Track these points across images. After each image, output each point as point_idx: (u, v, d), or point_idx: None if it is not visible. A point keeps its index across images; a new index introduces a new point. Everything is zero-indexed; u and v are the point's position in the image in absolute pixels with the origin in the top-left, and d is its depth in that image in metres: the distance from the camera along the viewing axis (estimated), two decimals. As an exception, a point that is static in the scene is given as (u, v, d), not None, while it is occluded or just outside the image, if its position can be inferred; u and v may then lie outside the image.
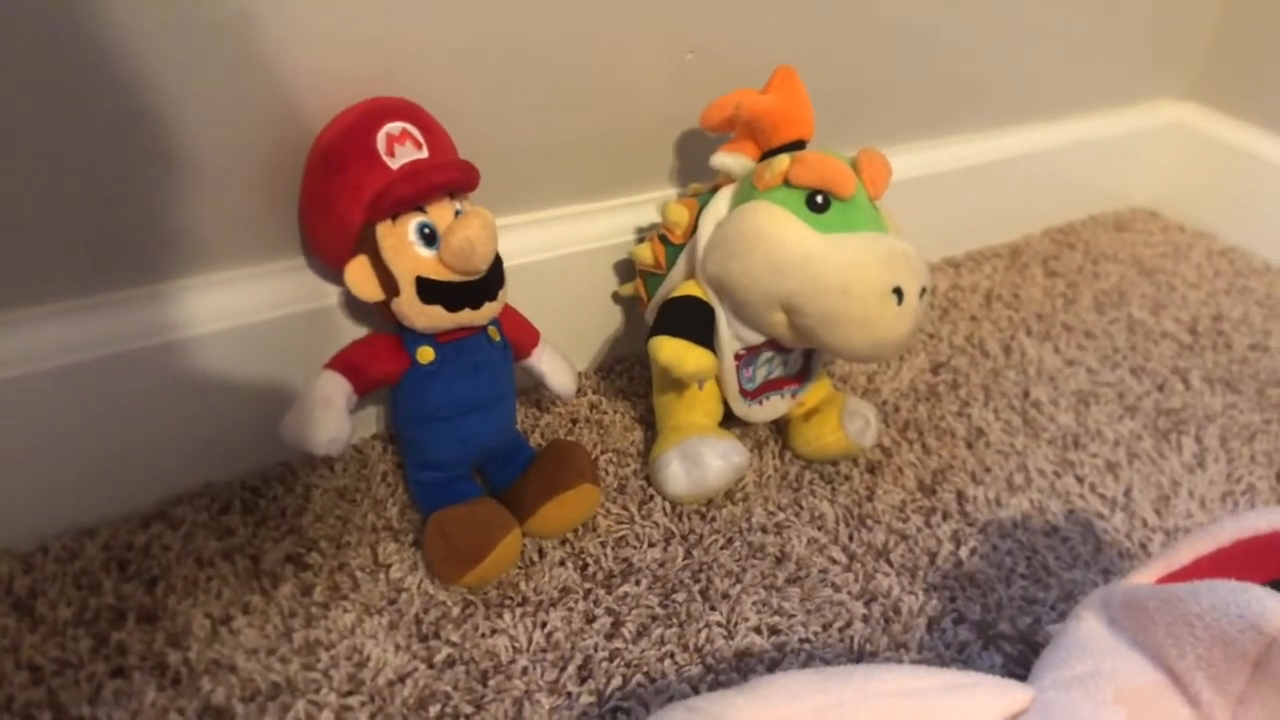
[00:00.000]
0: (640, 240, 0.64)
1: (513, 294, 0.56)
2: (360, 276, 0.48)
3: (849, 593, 0.54)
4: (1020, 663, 0.51)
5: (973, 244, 0.93)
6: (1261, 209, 0.99)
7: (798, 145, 0.57)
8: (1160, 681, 0.39)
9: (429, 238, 0.47)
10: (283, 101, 0.47)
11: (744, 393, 0.60)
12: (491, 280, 0.49)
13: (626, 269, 0.65)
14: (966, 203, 0.89)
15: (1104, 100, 0.97)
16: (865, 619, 0.52)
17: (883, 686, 0.42)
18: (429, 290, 0.47)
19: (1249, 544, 0.43)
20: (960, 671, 0.43)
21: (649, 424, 0.64)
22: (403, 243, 0.47)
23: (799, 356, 0.62)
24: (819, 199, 0.53)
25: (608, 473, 0.60)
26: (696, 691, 0.47)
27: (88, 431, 0.49)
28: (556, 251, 0.62)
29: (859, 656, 0.50)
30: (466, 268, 0.47)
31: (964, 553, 0.57)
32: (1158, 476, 0.66)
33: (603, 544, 0.55)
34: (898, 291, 0.51)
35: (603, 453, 0.61)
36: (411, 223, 0.47)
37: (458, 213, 0.48)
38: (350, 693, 0.45)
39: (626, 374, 0.69)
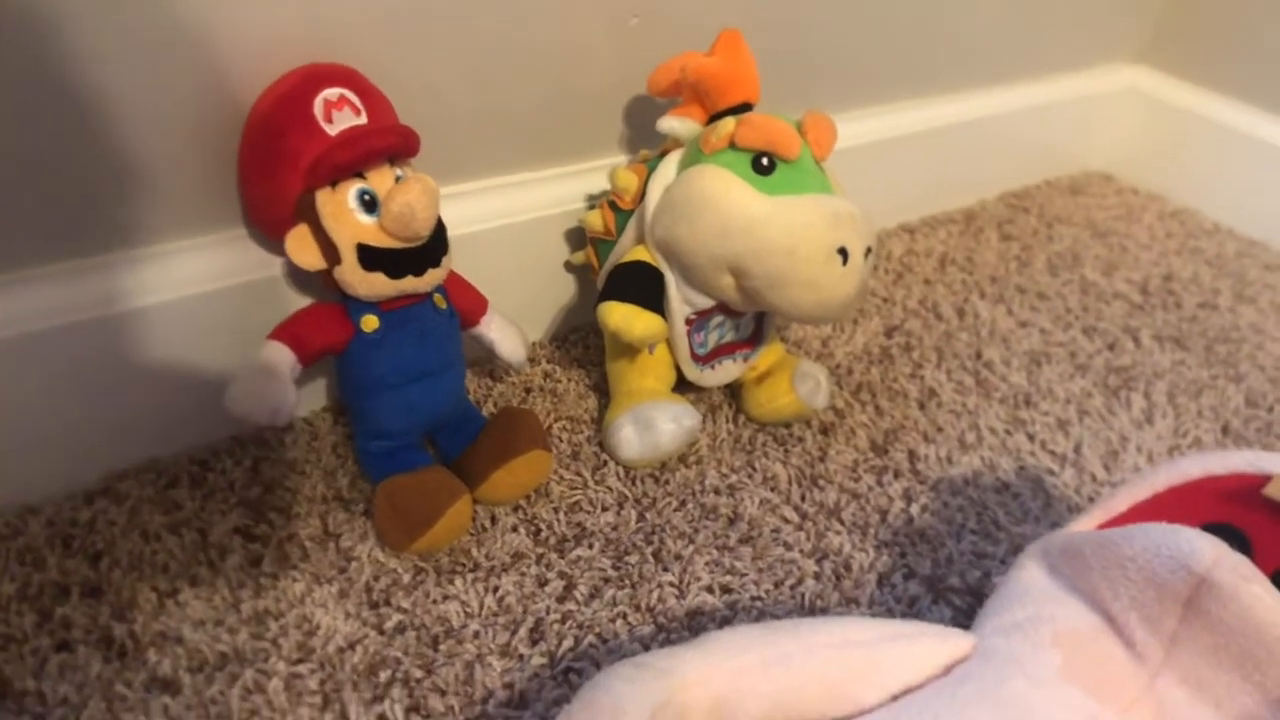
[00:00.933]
0: (591, 207, 0.64)
1: (463, 263, 0.55)
2: (301, 245, 0.47)
3: (800, 551, 0.54)
4: (970, 615, 0.52)
5: (928, 209, 0.94)
6: (1213, 171, 1.00)
7: (744, 108, 0.57)
8: (1096, 624, 0.40)
9: (369, 204, 0.47)
10: (218, 68, 0.46)
11: (696, 357, 0.60)
12: (434, 247, 0.49)
13: (578, 237, 0.65)
14: (921, 168, 0.89)
15: (1058, 64, 0.97)
16: (817, 576, 0.53)
17: (829, 638, 0.42)
18: (370, 257, 0.47)
19: (1182, 489, 0.43)
20: (904, 621, 0.44)
21: (603, 392, 0.64)
22: (343, 210, 0.46)
23: (750, 321, 0.62)
24: (764, 161, 0.53)
25: (561, 440, 0.60)
26: (648, 649, 0.47)
27: (29, 407, 0.48)
28: (506, 220, 0.61)
29: (810, 612, 0.51)
30: (407, 234, 0.46)
31: (915, 510, 0.58)
32: (1107, 433, 0.67)
33: (555, 509, 0.55)
34: (843, 252, 0.52)
35: (556, 420, 0.61)
36: (351, 189, 0.47)
37: (398, 179, 0.48)
38: (300, 660, 0.45)
39: (581, 343, 0.69)
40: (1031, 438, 0.66)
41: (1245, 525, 0.40)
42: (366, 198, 0.47)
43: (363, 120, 0.47)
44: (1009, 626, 0.42)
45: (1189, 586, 0.36)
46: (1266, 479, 0.40)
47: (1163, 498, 0.44)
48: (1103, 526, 0.44)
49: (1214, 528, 0.39)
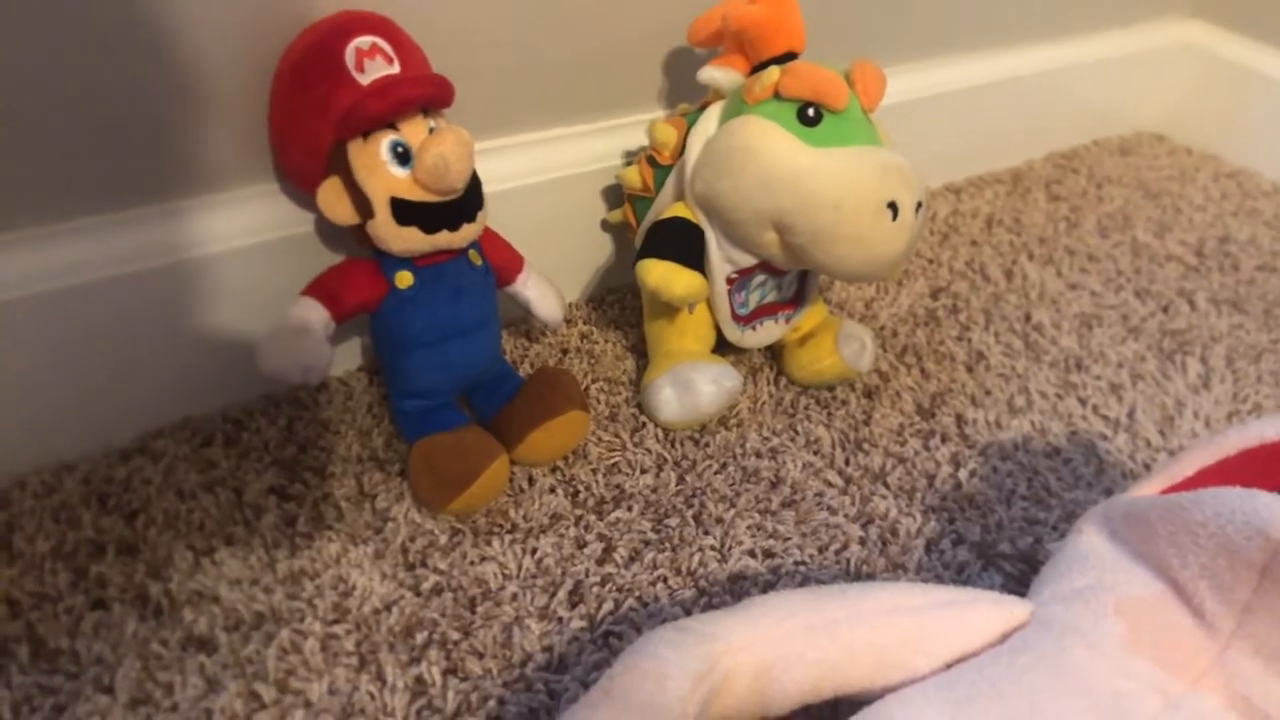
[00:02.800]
0: (629, 163, 0.62)
1: (498, 221, 0.54)
2: (333, 199, 0.46)
3: (845, 515, 0.53)
4: (1021, 582, 0.50)
5: (974, 169, 0.91)
6: (1271, 130, 0.96)
7: (788, 58, 0.54)
8: (1162, 592, 0.38)
9: (402, 157, 0.45)
10: (248, 16, 0.45)
11: (737, 318, 0.58)
12: (469, 201, 0.47)
13: (615, 194, 0.64)
14: (968, 126, 0.86)
15: (1109, 19, 0.94)
16: (862, 541, 0.51)
17: (877, 604, 0.41)
18: (404, 211, 0.46)
19: (1255, 453, 0.41)
20: (957, 588, 0.43)
21: (641, 353, 0.62)
22: (375, 162, 0.45)
23: (793, 280, 0.61)
24: (810, 112, 0.51)
25: (599, 401, 0.58)
26: (689, 614, 0.46)
27: (64, 364, 0.48)
28: (542, 176, 0.60)
29: (855, 578, 0.50)
30: (442, 186, 0.45)
31: (963, 475, 0.56)
32: (1162, 397, 0.65)
33: (594, 471, 0.54)
34: (892, 206, 0.49)
35: (594, 382, 0.60)
36: (384, 141, 0.45)
37: (432, 130, 0.46)
38: (335, 621, 0.44)
39: (618, 304, 0.67)
40: (1083, 402, 0.64)
41: (1323, 490, 0.38)
42: (400, 149, 0.45)
43: (395, 70, 0.46)
44: (1068, 594, 0.40)
45: (1265, 554, 0.34)
46: (1346, 441, 0.38)
47: (1232, 462, 0.42)
48: (1168, 491, 0.42)
49: (1290, 493, 0.37)
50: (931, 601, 0.41)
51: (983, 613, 0.40)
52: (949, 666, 0.39)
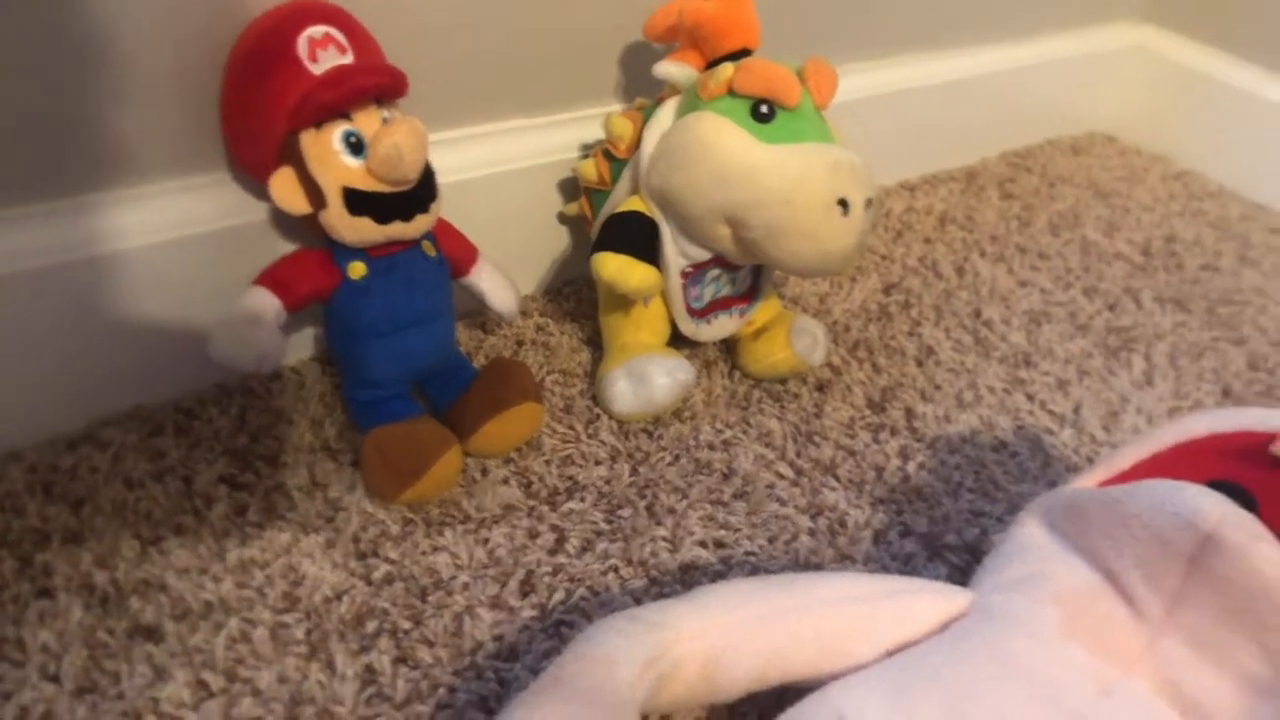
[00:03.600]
0: (585, 157, 0.62)
1: (454, 213, 0.54)
2: (286, 188, 0.46)
3: (795, 506, 0.53)
4: (966, 573, 0.51)
5: (928, 167, 0.92)
6: (1219, 132, 0.99)
7: (743, 54, 0.55)
8: (1097, 582, 0.40)
9: (356, 147, 0.45)
10: (200, 3, 0.45)
11: (691, 311, 0.59)
12: (422, 191, 0.47)
13: (572, 187, 0.64)
14: (922, 125, 0.87)
15: (1064, 22, 0.95)
16: (811, 532, 0.52)
17: (824, 594, 0.42)
18: (357, 201, 0.46)
19: (1186, 447, 0.43)
20: (902, 578, 0.43)
21: (596, 346, 0.63)
22: (328, 152, 0.45)
23: (747, 275, 0.61)
24: (763, 108, 0.52)
25: (554, 393, 0.59)
26: (640, 603, 0.46)
27: (10, 351, 0.47)
28: (498, 168, 0.60)
29: (804, 568, 0.50)
30: (395, 176, 0.45)
31: (911, 468, 0.57)
32: (1107, 393, 0.66)
33: (548, 462, 0.54)
34: (843, 202, 0.50)
35: (549, 374, 0.60)
36: (337, 131, 0.45)
37: (385, 120, 0.46)
38: (286, 610, 0.44)
39: (574, 296, 0.67)
40: (1030, 397, 0.65)
41: (1251, 483, 0.39)
42: (353, 140, 0.45)
43: (349, 59, 0.46)
44: (1008, 584, 0.41)
45: (1194, 544, 0.36)
46: (1273, 437, 0.39)
47: (1166, 456, 0.43)
48: (1105, 484, 0.44)
49: (1219, 485, 0.38)
50: (876, 591, 0.42)
51: (925, 602, 0.41)
52: (892, 654, 0.40)
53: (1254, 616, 0.35)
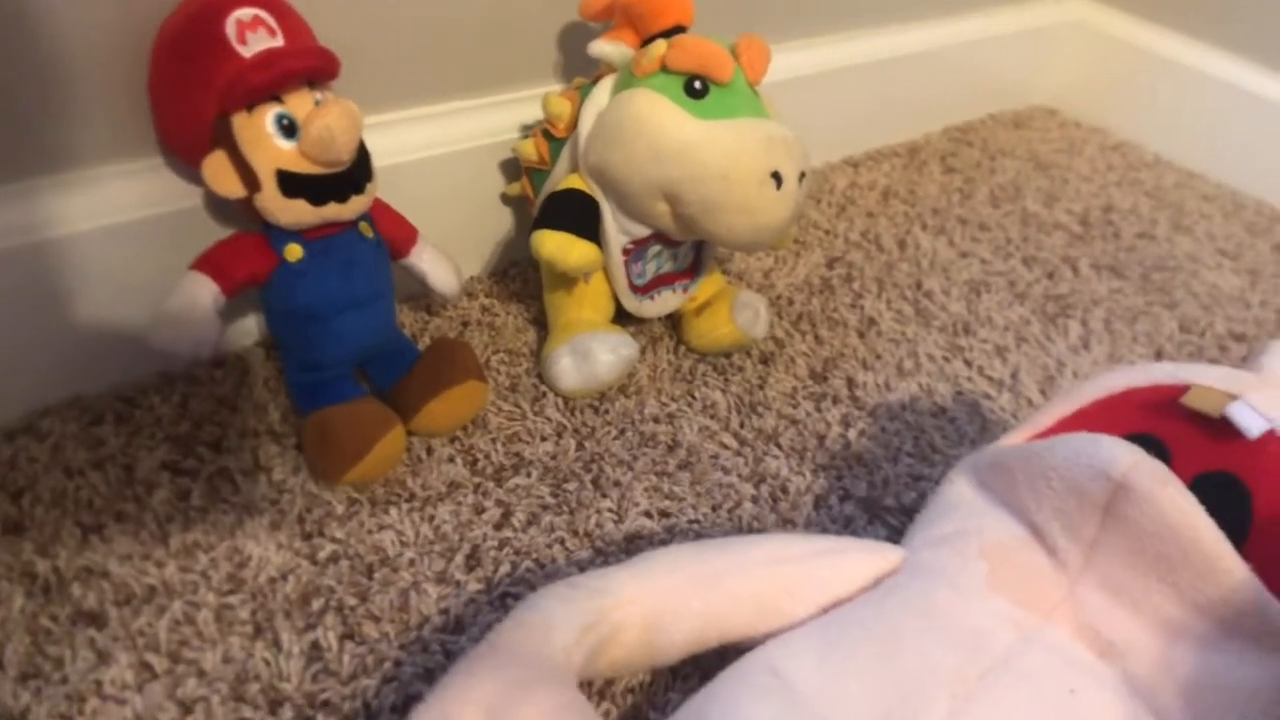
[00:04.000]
0: (525, 137, 0.62)
1: (396, 195, 0.54)
2: (219, 172, 0.46)
3: (738, 475, 0.54)
4: (904, 534, 0.53)
5: (872, 143, 0.93)
6: (1155, 104, 1.01)
7: (677, 32, 0.56)
8: (1022, 535, 0.41)
9: (288, 129, 0.45)
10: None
11: (634, 288, 0.60)
12: (357, 173, 0.48)
13: (514, 168, 0.64)
14: (865, 101, 0.89)
15: (1003, -4, 0.97)
16: (754, 499, 0.53)
17: (759, 555, 0.43)
18: (291, 184, 0.46)
19: (1106, 403, 0.44)
20: (834, 537, 0.45)
21: (542, 325, 0.63)
22: (260, 135, 0.45)
23: (689, 250, 0.62)
24: (697, 84, 0.52)
25: (500, 373, 0.59)
26: (585, 572, 0.47)
27: (-58, 344, 0.47)
28: (439, 149, 0.60)
29: (747, 534, 0.51)
30: (328, 158, 0.45)
31: (852, 434, 0.59)
32: (1044, 358, 0.68)
33: (493, 440, 0.54)
34: (776, 176, 0.51)
35: (495, 353, 0.61)
36: (269, 114, 0.45)
37: (317, 103, 0.46)
38: (230, 592, 0.44)
39: (520, 277, 0.68)
40: (969, 364, 0.66)
41: (1165, 434, 0.41)
42: (285, 122, 0.45)
43: (279, 42, 0.46)
44: (937, 540, 0.43)
45: (1107, 493, 0.37)
46: (1185, 389, 0.41)
47: (1087, 412, 0.45)
48: (1030, 441, 0.45)
49: (1135, 438, 0.39)
50: (809, 551, 0.43)
51: (856, 560, 0.42)
52: (826, 611, 0.41)
53: (1165, 560, 0.36)
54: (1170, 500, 0.36)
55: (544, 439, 0.55)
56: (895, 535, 0.52)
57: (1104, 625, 0.38)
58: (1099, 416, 0.44)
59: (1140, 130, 1.02)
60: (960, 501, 0.44)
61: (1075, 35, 1.05)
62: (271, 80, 0.44)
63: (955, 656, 0.37)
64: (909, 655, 0.37)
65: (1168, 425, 0.41)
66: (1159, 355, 0.70)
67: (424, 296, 0.64)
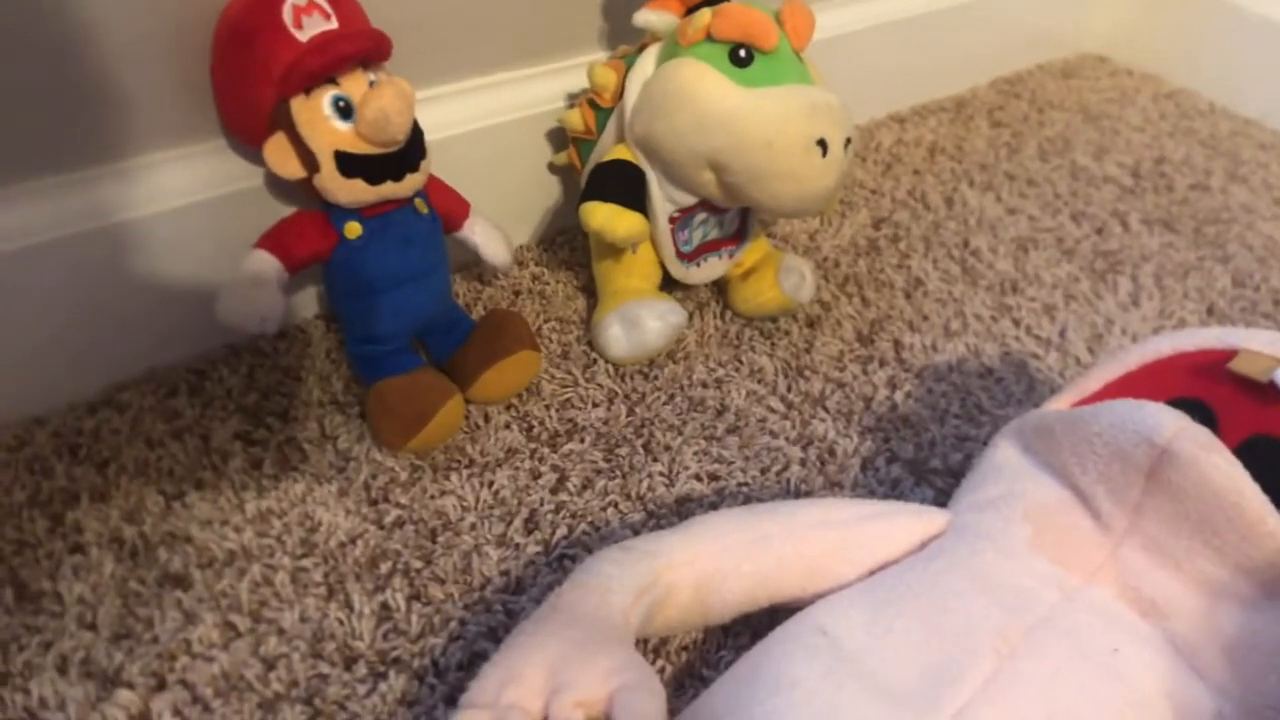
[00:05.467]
0: (570, 107, 0.63)
1: (445, 167, 0.55)
2: (279, 154, 0.47)
3: (786, 439, 0.56)
4: (951, 496, 0.53)
5: (918, 98, 0.92)
6: (1209, 50, 0.98)
7: (722, -1, 0.56)
8: (1066, 498, 0.42)
9: (344, 111, 0.47)
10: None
11: (681, 255, 0.61)
12: (411, 151, 0.49)
13: (560, 137, 0.65)
14: (911, 55, 0.88)
15: (1051, -57, 0.95)
16: (802, 462, 0.54)
17: (807, 518, 0.44)
18: (348, 164, 0.47)
19: (1153, 367, 0.44)
20: (881, 501, 0.46)
21: (591, 292, 0.64)
22: (318, 117, 0.47)
23: (734, 217, 0.63)
24: (742, 53, 0.53)
25: (551, 340, 0.61)
26: (638, 535, 0.49)
27: (28, 320, 0.49)
28: (486, 122, 0.61)
29: (795, 497, 0.53)
30: (383, 139, 0.47)
31: (899, 397, 0.59)
32: (1092, 316, 0.68)
33: (547, 407, 0.56)
34: (821, 143, 0.52)
35: (546, 321, 0.62)
36: (325, 96, 0.47)
37: (372, 84, 0.48)
38: (304, 555, 0.47)
39: (568, 245, 0.69)
40: (1017, 323, 0.67)
41: (1212, 399, 0.41)
42: (341, 104, 0.47)
43: (333, 25, 0.47)
44: (982, 503, 0.44)
45: (1151, 458, 0.38)
46: (1233, 354, 0.41)
47: (1134, 376, 0.45)
48: (1076, 405, 0.45)
49: (1181, 402, 0.40)
50: (856, 515, 0.44)
51: (903, 524, 0.44)
52: (873, 573, 0.42)
53: (1208, 523, 0.37)
54: (1214, 465, 0.36)
55: (595, 405, 0.57)
56: (941, 497, 0.53)
57: (1147, 586, 0.39)
58: (1146, 380, 0.44)
59: (1195, 77, 1.00)
60: (1005, 465, 0.45)
61: (1127, -21, 1.02)
62: (327, 64, 0.46)
63: (1000, 615, 0.38)
64: (954, 614, 0.38)
65: (1215, 389, 0.41)
66: (1210, 311, 0.69)
67: (476, 266, 0.65)
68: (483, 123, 0.61)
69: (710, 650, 0.45)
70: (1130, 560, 0.39)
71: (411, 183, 0.50)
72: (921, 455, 0.56)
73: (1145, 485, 0.38)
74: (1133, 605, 0.39)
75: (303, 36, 0.46)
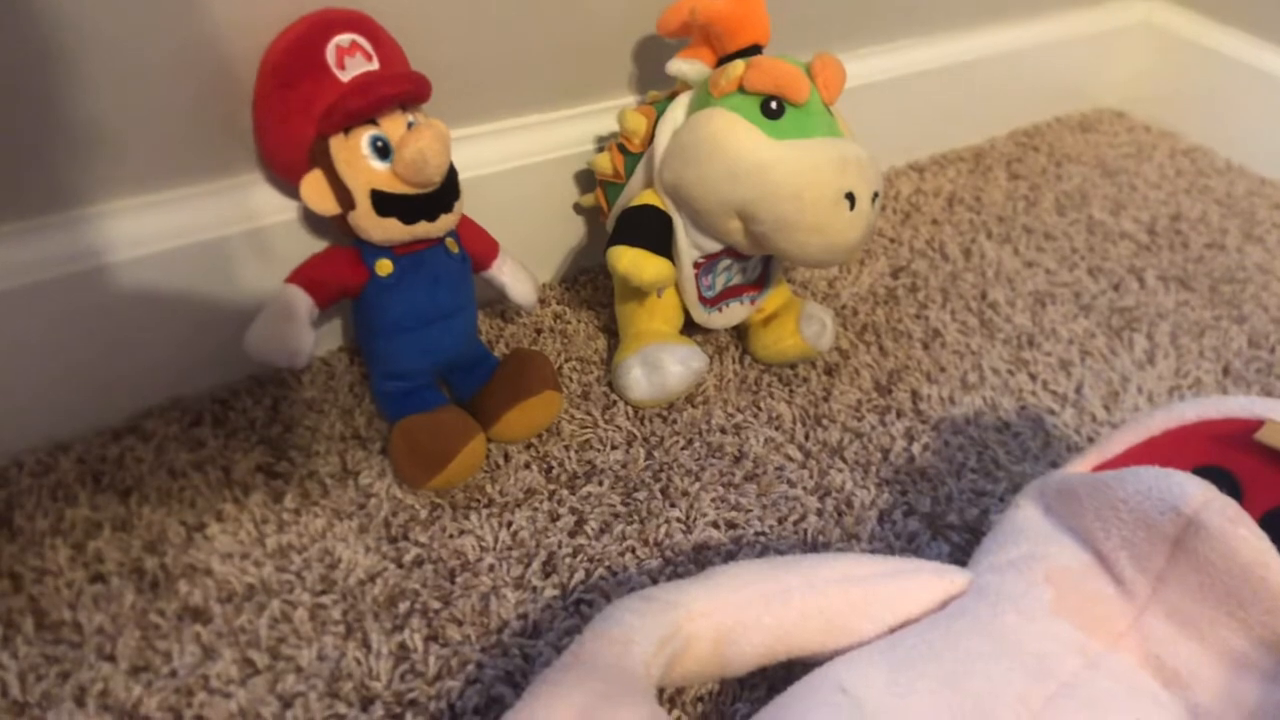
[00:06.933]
0: (599, 149, 0.64)
1: (472, 206, 0.56)
2: (316, 191, 0.48)
3: (804, 488, 0.56)
4: (967, 552, 0.53)
5: (937, 147, 0.93)
6: (1226, 108, 0.99)
7: (753, 50, 0.57)
8: (1088, 562, 0.42)
9: (382, 151, 0.47)
10: (233, 13, 0.47)
11: (704, 300, 0.61)
12: (446, 192, 0.50)
13: (587, 179, 0.66)
14: (931, 106, 0.89)
15: (1071, -1, 0.96)
16: (819, 512, 0.54)
17: (828, 573, 0.44)
18: (384, 203, 0.48)
19: (1177, 433, 0.45)
20: (902, 558, 0.46)
21: (612, 333, 0.65)
22: (356, 156, 0.47)
23: (757, 263, 0.63)
24: (773, 105, 0.53)
25: (571, 380, 0.61)
26: (655, 582, 0.49)
27: (57, 348, 0.50)
28: (516, 162, 0.62)
29: (812, 548, 0.53)
30: (420, 180, 0.47)
31: (916, 449, 0.59)
32: (1108, 373, 0.68)
33: (566, 447, 0.56)
34: (850, 197, 0.52)
35: (566, 361, 0.63)
36: (364, 136, 0.47)
37: (410, 125, 0.48)
38: (323, 592, 0.47)
39: (590, 284, 0.69)
40: (1033, 378, 0.67)
41: (1237, 469, 0.42)
42: (379, 144, 0.47)
43: (375, 66, 0.48)
44: (1004, 564, 0.44)
45: (1177, 527, 0.38)
46: (1259, 424, 0.41)
47: (1157, 441, 0.45)
48: (1098, 468, 0.46)
49: (1206, 470, 0.40)
50: (878, 571, 0.44)
51: (924, 582, 0.44)
52: (893, 631, 0.42)
53: (1233, 596, 0.37)
54: (1241, 538, 0.36)
55: (614, 447, 0.57)
56: (957, 552, 0.54)
57: (1169, 655, 0.39)
58: (1170, 446, 0.44)
59: (1212, 134, 1.01)
60: (1027, 526, 0.45)
61: (1143, 36, 1.03)
62: (368, 105, 0.46)
63: (1022, 680, 0.38)
64: (976, 678, 0.38)
65: (1240, 459, 0.42)
66: (1226, 372, 0.69)
67: (500, 303, 0.65)
68: (513, 163, 0.61)
69: (726, 702, 0.45)
70: (1153, 628, 0.39)
71: (445, 223, 0.50)
72: (938, 509, 0.56)
73: (1170, 554, 0.39)
74: (1155, 674, 0.39)
75: (345, 77, 0.47)
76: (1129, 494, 0.40)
